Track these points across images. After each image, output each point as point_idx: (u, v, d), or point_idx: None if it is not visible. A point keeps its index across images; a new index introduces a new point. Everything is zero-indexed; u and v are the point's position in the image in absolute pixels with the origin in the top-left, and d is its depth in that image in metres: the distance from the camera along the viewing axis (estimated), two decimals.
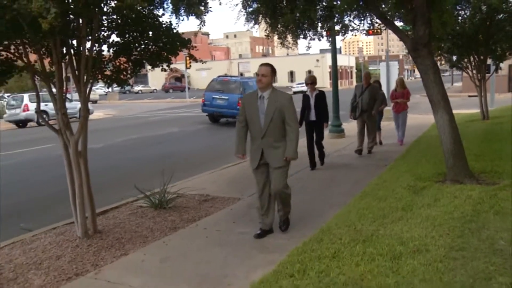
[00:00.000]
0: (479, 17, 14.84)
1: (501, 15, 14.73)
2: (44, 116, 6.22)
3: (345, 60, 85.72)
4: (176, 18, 6.28)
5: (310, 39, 10.45)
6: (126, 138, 17.90)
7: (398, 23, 11.36)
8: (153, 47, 6.32)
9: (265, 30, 10.05)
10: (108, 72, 6.45)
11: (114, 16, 5.85)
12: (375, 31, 14.84)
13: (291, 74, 79.82)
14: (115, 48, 6.15)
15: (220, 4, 34.41)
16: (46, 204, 8.35)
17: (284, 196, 5.64)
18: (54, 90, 5.73)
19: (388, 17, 9.03)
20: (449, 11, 7.93)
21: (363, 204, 6.52)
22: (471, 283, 3.82)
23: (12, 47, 5.46)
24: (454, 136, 7.43)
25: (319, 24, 9.93)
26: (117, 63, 6.38)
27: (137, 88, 75.18)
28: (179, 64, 51.82)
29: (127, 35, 6.15)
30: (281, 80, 75.50)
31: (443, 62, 18.97)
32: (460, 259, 4.32)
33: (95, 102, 45.75)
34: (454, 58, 17.84)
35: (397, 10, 9.21)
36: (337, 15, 9.15)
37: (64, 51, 5.67)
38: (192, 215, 6.76)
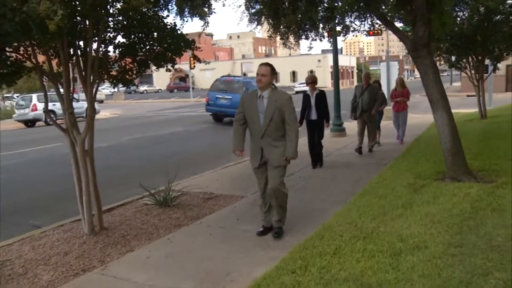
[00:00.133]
0: (477, 18, 14.87)
1: (498, 17, 14.75)
2: (52, 115, 6.23)
3: (346, 60, 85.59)
4: (181, 19, 6.31)
5: (312, 40, 10.46)
6: (132, 137, 17.93)
7: (398, 24, 11.36)
8: (158, 47, 6.31)
9: (268, 31, 10.04)
10: (114, 73, 6.46)
11: (120, 18, 5.85)
12: (376, 31, 14.87)
13: (293, 74, 79.70)
14: (120, 49, 6.15)
15: (223, 6, 34.34)
16: (53, 201, 8.37)
17: (281, 196, 5.46)
18: (61, 90, 5.74)
19: (388, 18, 9.02)
20: (448, 12, 7.89)
21: (363, 202, 6.52)
22: (469, 279, 3.82)
23: (21, 48, 5.48)
24: (453, 135, 7.43)
25: (321, 25, 9.93)
26: (123, 64, 6.39)
27: (142, 88, 75.20)
28: (183, 64, 51.79)
29: (132, 36, 6.15)
30: (284, 80, 75.48)
31: (442, 62, 18.98)
32: (458, 255, 4.32)
33: (101, 102, 45.80)
34: (453, 58, 17.84)
35: (397, 11, 9.20)
36: (338, 16, 9.15)
37: (71, 52, 5.68)
38: (196, 213, 6.76)
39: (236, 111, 5.60)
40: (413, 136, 13.66)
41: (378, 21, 9.81)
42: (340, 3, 7.69)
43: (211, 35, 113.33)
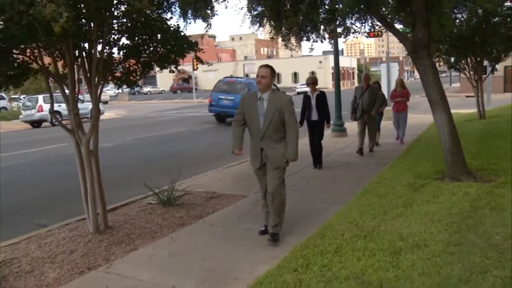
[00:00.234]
0: (476, 20, 14.90)
1: (496, 19, 14.78)
2: (58, 116, 6.24)
3: (347, 62, 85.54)
4: (184, 21, 6.32)
5: (313, 41, 10.46)
6: (136, 137, 17.93)
7: (398, 26, 11.32)
8: (162, 49, 6.32)
9: (270, 32, 10.04)
10: (118, 74, 6.47)
11: (124, 20, 5.86)
12: (376, 33, 14.84)
13: (295, 75, 79.65)
14: (125, 51, 6.16)
15: (226, 8, 34.41)
16: (58, 200, 8.37)
17: (279, 200, 5.29)
18: (67, 91, 5.75)
19: (389, 20, 9.01)
20: (447, 14, 7.89)
21: (364, 201, 6.52)
22: (468, 277, 3.82)
23: (28, 50, 5.50)
24: (452, 135, 7.42)
25: (322, 27, 9.93)
26: (127, 65, 6.40)
27: (146, 89, 75.15)
28: (186, 65, 51.78)
29: (136, 38, 6.16)
30: (285, 81, 75.44)
31: (441, 63, 18.97)
32: (457, 253, 4.32)
33: (105, 102, 45.75)
34: (452, 59, 17.84)
35: (397, 13, 9.19)
36: (339, 18, 9.13)
37: (77, 54, 5.69)
38: (199, 212, 6.77)
39: (236, 112, 5.52)
40: (413, 136, 13.65)
41: (378, 23, 9.80)
42: (340, 5, 7.68)
43: (213, 36, 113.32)
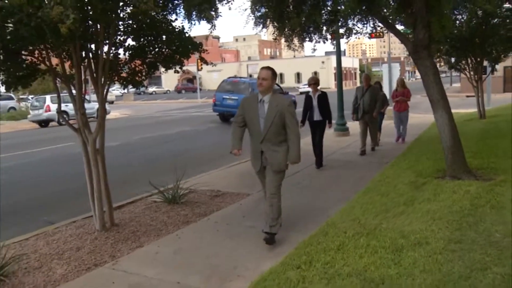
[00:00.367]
0: (476, 21, 14.86)
1: (495, 20, 14.74)
2: (65, 116, 6.25)
3: (349, 62, 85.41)
4: (188, 22, 6.28)
5: (316, 42, 10.44)
6: (141, 136, 17.96)
7: (399, 27, 11.29)
8: (167, 50, 6.33)
9: (273, 33, 10.02)
10: (124, 74, 6.49)
11: (130, 22, 5.88)
12: (378, 34, 14.78)
13: (298, 75, 79.59)
14: (130, 52, 6.18)
15: (229, 9, 34.29)
16: (65, 198, 8.40)
17: (276, 206, 5.12)
18: (73, 91, 5.77)
19: (390, 21, 8.99)
20: (447, 15, 7.87)
21: (366, 199, 6.52)
22: (469, 274, 3.82)
23: (36, 52, 5.51)
24: (453, 134, 7.41)
25: (324, 28, 9.91)
26: (133, 66, 6.40)
27: (151, 89, 75.20)
28: (191, 66, 51.76)
29: (142, 39, 6.17)
30: (288, 81, 75.41)
31: (442, 63, 18.92)
32: (458, 251, 4.32)
33: (111, 102, 45.78)
34: (453, 60, 17.79)
35: (398, 14, 9.17)
36: (341, 19, 9.11)
37: (83, 55, 5.71)
38: (204, 210, 6.77)
39: (236, 114, 5.41)
40: (414, 135, 13.62)
41: (380, 24, 9.78)
42: (343, 7, 7.67)
43: (217, 37, 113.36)
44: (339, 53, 15.26)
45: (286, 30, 9.55)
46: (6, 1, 4.37)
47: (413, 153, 10.26)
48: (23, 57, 5.43)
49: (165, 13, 6.18)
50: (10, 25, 4.69)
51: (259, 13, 9.29)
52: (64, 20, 4.09)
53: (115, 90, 58.13)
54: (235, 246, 5.19)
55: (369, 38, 13.56)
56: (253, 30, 12.50)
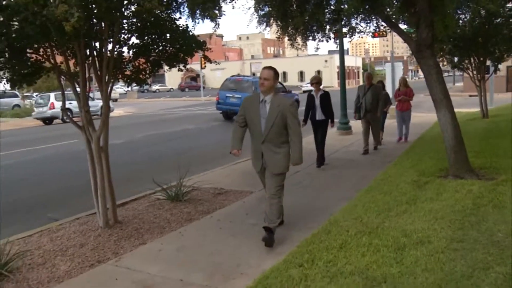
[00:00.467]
0: (479, 21, 14.83)
1: (498, 19, 14.70)
2: (69, 113, 6.27)
3: (352, 61, 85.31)
4: (192, 21, 6.30)
5: (319, 41, 10.42)
6: (145, 134, 17.99)
7: (403, 26, 11.28)
8: (171, 48, 6.33)
9: (276, 32, 10.01)
10: (128, 72, 6.49)
11: (134, 20, 5.88)
12: (381, 33, 14.79)
13: (301, 74, 79.56)
14: (134, 50, 6.18)
15: (233, 8, 34.32)
16: (69, 195, 8.42)
17: (276, 208, 5.04)
18: (78, 89, 5.77)
19: (393, 20, 8.98)
20: (450, 15, 7.86)
21: (369, 198, 6.51)
22: (471, 273, 3.81)
23: (41, 50, 5.53)
24: (455, 134, 7.39)
25: (327, 27, 9.89)
26: (137, 64, 6.41)
27: (154, 87, 75.28)
28: (194, 64, 51.75)
29: (146, 38, 6.18)
30: (291, 80, 75.36)
31: (445, 63, 18.87)
32: (460, 250, 4.31)
33: (115, 100, 45.94)
34: (456, 59, 17.74)
35: (401, 13, 9.16)
36: (344, 18, 9.11)
37: (88, 53, 5.72)
38: (207, 207, 6.78)
39: (237, 114, 5.35)
40: (417, 134, 13.60)
41: (383, 23, 9.77)
42: (346, 6, 7.66)
43: (221, 36, 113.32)
44: (342, 52, 15.25)
45: (289, 29, 9.54)
46: (12, 0, 4.38)
47: (416, 152, 10.25)
48: (28, 55, 5.45)
49: (169, 11, 6.18)
50: (16, 23, 4.71)
51: (263, 12, 9.29)
52: (68, 18, 4.10)
53: (119, 88, 58.31)
54: (238, 244, 5.19)
55: (372, 37, 13.50)
56: (257, 29, 12.49)
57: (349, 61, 76.38)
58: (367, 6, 7.77)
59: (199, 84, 64.13)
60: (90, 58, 5.76)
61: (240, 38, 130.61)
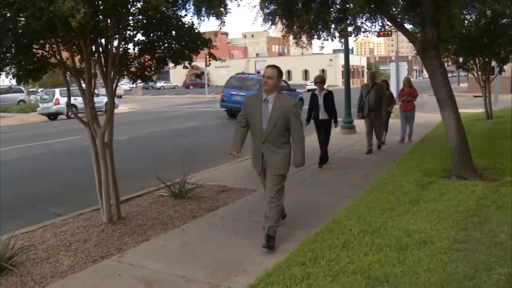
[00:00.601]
0: (484, 21, 14.75)
1: (504, 20, 14.62)
2: (74, 109, 6.28)
3: (357, 60, 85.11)
4: (198, 18, 6.29)
5: (324, 40, 10.43)
6: (149, 131, 18.01)
7: (408, 26, 11.27)
8: (176, 45, 6.33)
9: (281, 30, 10.02)
10: (133, 69, 6.49)
11: (140, 17, 5.89)
12: (386, 32, 14.77)
13: (306, 72, 79.51)
14: (140, 46, 6.19)
15: (238, 6, 34.37)
16: (73, 191, 8.44)
17: (275, 210, 4.92)
18: (83, 85, 5.78)
19: (398, 20, 8.95)
20: (456, 15, 7.84)
21: (372, 197, 6.51)
22: (473, 274, 3.80)
23: (47, 46, 5.54)
24: (460, 134, 7.38)
25: (333, 26, 9.89)
26: (142, 61, 6.41)
27: (159, 84, 75.20)
28: (199, 61, 51.76)
29: (151, 34, 6.18)
30: (296, 78, 75.30)
31: (450, 63, 18.81)
32: (463, 250, 4.30)
33: (120, 97, 45.92)
34: (461, 59, 17.70)
35: (406, 13, 9.14)
36: (349, 17, 9.11)
37: (94, 49, 5.72)
38: (210, 205, 6.78)
39: (239, 113, 5.24)
40: (421, 134, 13.56)
41: (388, 23, 9.77)
42: (351, 5, 7.65)
43: (226, 34, 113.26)
44: (347, 51, 15.22)
45: (294, 27, 9.55)
46: None
47: (420, 152, 10.23)
48: (34, 50, 5.47)
49: (174, 8, 6.19)
50: (22, 19, 4.72)
51: (268, 10, 9.29)
52: (75, 15, 4.12)
53: (124, 85, 58.26)
54: (240, 241, 5.20)
55: (377, 36, 13.53)
56: (262, 27, 12.48)
57: (354, 60, 76.20)
58: (372, 6, 7.76)
59: (203, 81, 64.20)
60: (96, 54, 5.76)
61: (245, 36, 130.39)
